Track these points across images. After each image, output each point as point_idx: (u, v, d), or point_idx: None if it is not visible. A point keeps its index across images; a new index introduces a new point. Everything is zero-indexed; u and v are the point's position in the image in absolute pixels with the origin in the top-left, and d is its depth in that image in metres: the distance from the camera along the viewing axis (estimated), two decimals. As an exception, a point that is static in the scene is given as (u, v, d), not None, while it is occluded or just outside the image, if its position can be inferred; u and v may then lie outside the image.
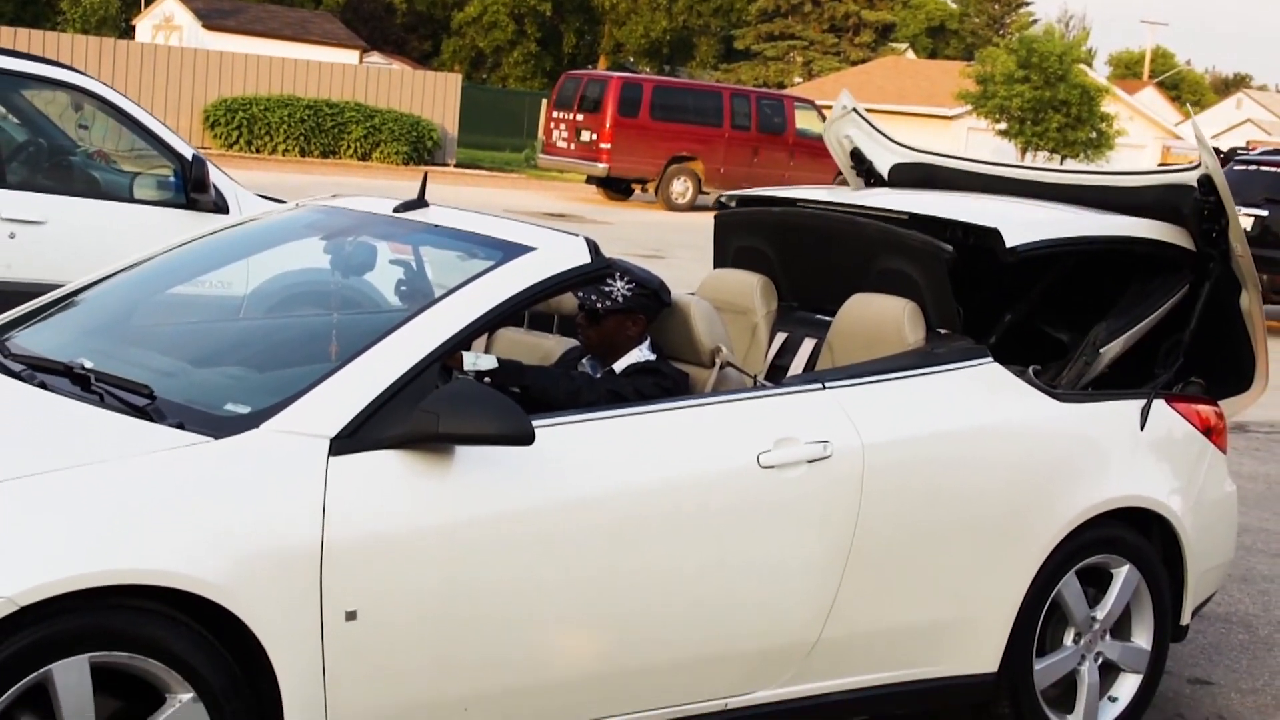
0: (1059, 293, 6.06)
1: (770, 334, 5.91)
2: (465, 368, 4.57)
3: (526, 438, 4.02)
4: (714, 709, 4.69)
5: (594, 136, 31.61)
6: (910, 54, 79.98)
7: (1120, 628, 5.56)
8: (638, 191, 33.40)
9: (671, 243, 23.54)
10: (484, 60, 76.77)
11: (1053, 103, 44.95)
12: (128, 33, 57.05)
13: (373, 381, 4.04)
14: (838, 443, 4.74)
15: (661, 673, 4.54)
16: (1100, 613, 5.44)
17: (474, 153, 43.93)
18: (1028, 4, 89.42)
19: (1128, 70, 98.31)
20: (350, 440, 3.96)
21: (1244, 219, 19.49)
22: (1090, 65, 64.33)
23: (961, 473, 5.04)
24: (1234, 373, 6.04)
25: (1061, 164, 47.13)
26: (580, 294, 5.10)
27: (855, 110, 6.82)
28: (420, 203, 4.98)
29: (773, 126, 32.86)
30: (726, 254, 6.40)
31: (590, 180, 33.60)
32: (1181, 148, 55.36)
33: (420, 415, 3.98)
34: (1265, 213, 19.25)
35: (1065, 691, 5.47)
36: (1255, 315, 5.81)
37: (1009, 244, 5.36)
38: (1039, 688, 5.33)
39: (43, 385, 4.22)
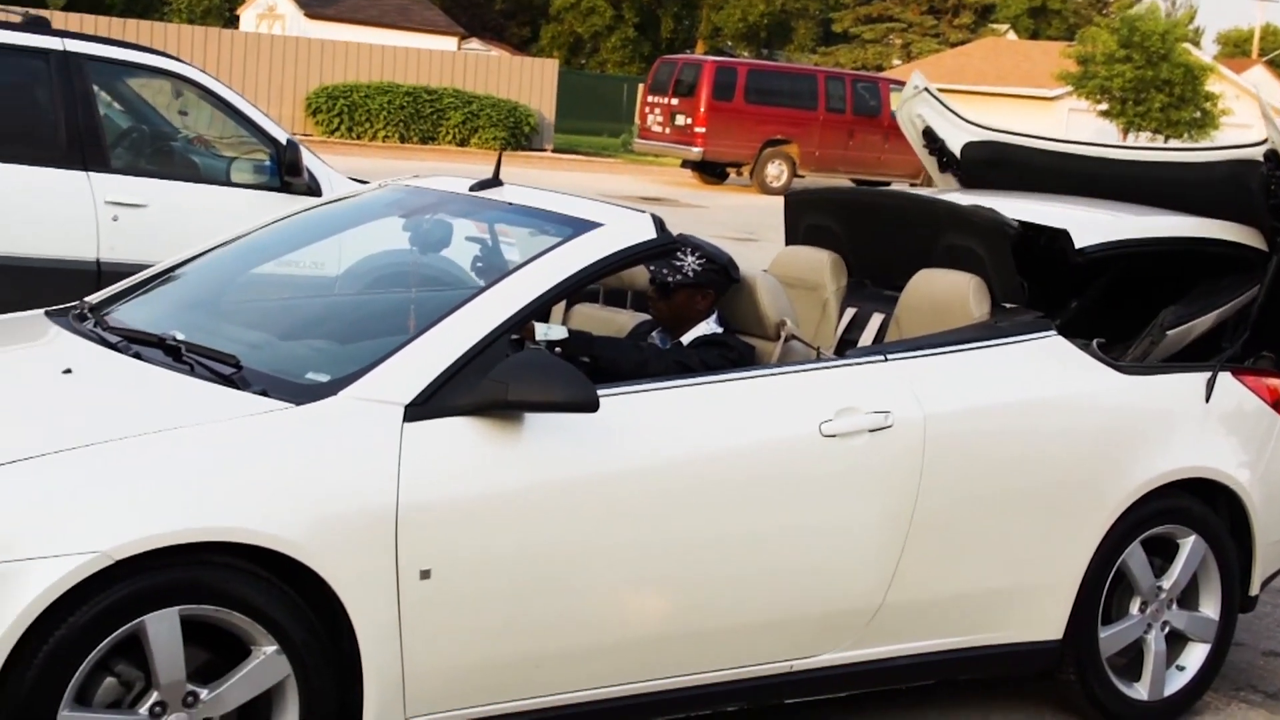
0: (1129, 280, 6.14)
1: (840, 309, 6.06)
2: (537, 338, 4.76)
3: (591, 405, 4.20)
4: (778, 671, 4.84)
5: (689, 121, 31.77)
6: (1011, 35, 79.33)
7: (1188, 598, 5.64)
8: (732, 175, 33.52)
9: (764, 225, 23.63)
10: (582, 46, 77.07)
11: (1155, 82, 44.47)
12: (232, 22, 57.79)
13: (445, 351, 4.23)
14: (899, 413, 4.88)
15: (725, 635, 4.68)
16: (1166, 582, 5.53)
17: (571, 138, 44.19)
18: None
19: (1236, 49, 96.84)
20: (424, 407, 4.15)
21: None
22: (1197, 44, 63.72)
23: (1023, 442, 5.15)
24: None
25: (1166, 144, 46.78)
26: (652, 268, 5.27)
27: (927, 90, 6.95)
28: (495, 182, 5.18)
29: (868, 109, 32.84)
30: (797, 232, 6.55)
31: (685, 164, 33.77)
32: (1289, 127, 54.63)
33: (490, 383, 4.16)
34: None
35: (1133, 660, 5.57)
36: None
37: (1078, 245, 5.50)
38: (1104, 655, 5.43)
39: (137, 355, 4.47)
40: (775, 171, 32.10)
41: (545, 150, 38.55)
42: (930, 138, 7.00)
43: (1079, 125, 48.92)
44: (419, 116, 36.69)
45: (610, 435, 4.39)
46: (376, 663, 4.08)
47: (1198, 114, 44.82)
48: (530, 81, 39.26)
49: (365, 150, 33.19)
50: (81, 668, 3.72)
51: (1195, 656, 5.67)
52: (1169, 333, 5.70)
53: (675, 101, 32.33)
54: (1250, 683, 6.09)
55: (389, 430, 4.09)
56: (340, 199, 5.81)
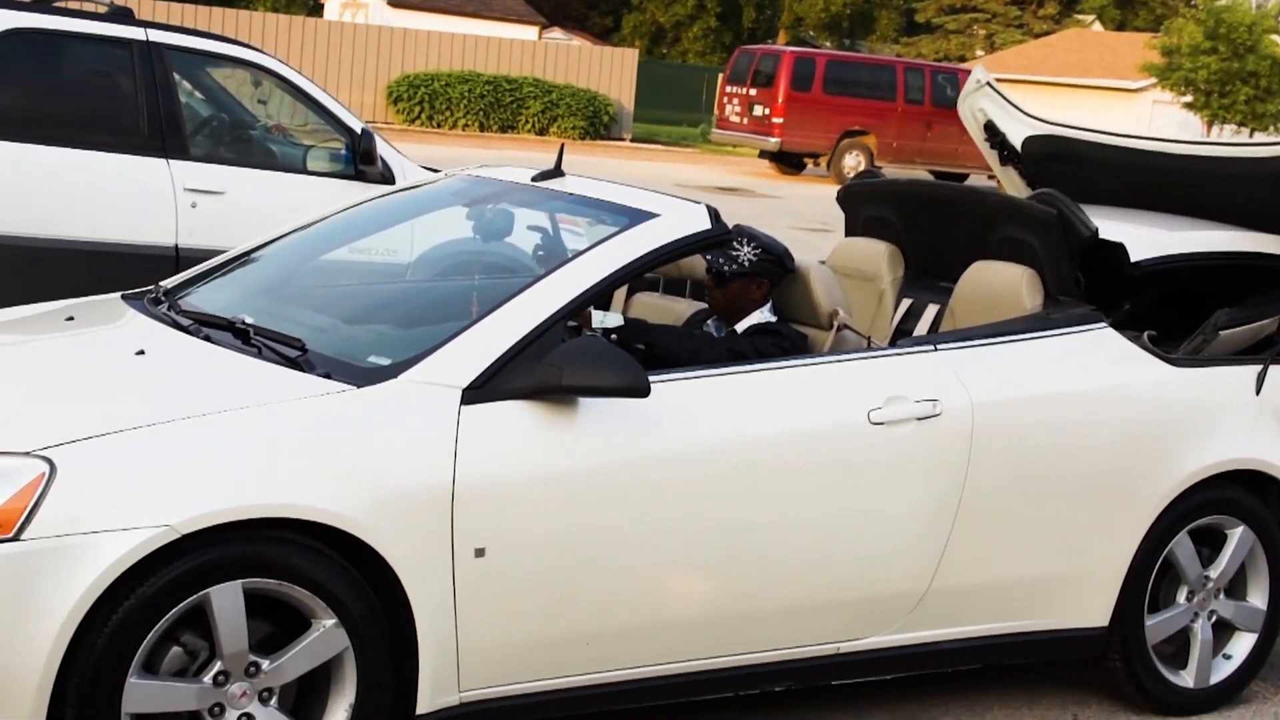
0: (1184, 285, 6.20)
1: (896, 300, 6.15)
2: (593, 325, 4.88)
3: (642, 390, 4.32)
4: (826, 653, 4.94)
5: (766, 111, 31.83)
6: (1097, 26, 78.70)
7: (1235, 587, 5.70)
8: (810, 166, 33.54)
9: (839, 216, 23.58)
10: (664, 35, 77.11)
11: (1241, 74, 43.98)
12: (316, 11, 58.25)
13: (502, 337, 4.36)
14: (947, 402, 4.97)
15: (773, 617, 4.79)
16: (1214, 572, 5.59)
17: (651, 127, 44.30)
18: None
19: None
20: (481, 390, 4.28)
21: None
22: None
23: (1072, 432, 5.23)
24: None
25: (1251, 137, 46.29)
26: (709, 258, 5.38)
27: (989, 84, 7.01)
28: (557, 172, 5.31)
29: (947, 100, 32.66)
30: (856, 223, 6.65)
31: (763, 154, 33.83)
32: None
33: (545, 368, 4.29)
34: None
35: (1180, 648, 5.63)
36: None
37: (1133, 259, 5.59)
38: (1150, 643, 5.50)
39: (207, 338, 4.63)
40: (853, 162, 32.07)
41: (624, 139, 38.71)
42: (992, 131, 7.06)
43: (1163, 118, 48.49)
44: (499, 105, 36.95)
45: (661, 420, 4.50)
46: (432, 638, 4.21)
47: (1286, 106, 44.34)
48: (610, 71, 39.42)
49: (445, 139, 33.47)
50: (149, 637, 3.86)
51: (1242, 646, 5.72)
52: (1222, 333, 5.75)
53: (754, 92, 32.38)
54: (1298, 673, 6.15)
55: (447, 412, 4.22)
56: (409, 188, 5.96)
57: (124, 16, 8.59)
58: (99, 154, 8.27)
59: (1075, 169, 6.75)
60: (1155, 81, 47.32)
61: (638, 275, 4.85)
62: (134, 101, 8.46)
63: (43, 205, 8.06)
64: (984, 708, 5.50)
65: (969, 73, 7.34)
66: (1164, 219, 6.20)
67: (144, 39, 8.46)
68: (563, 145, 5.79)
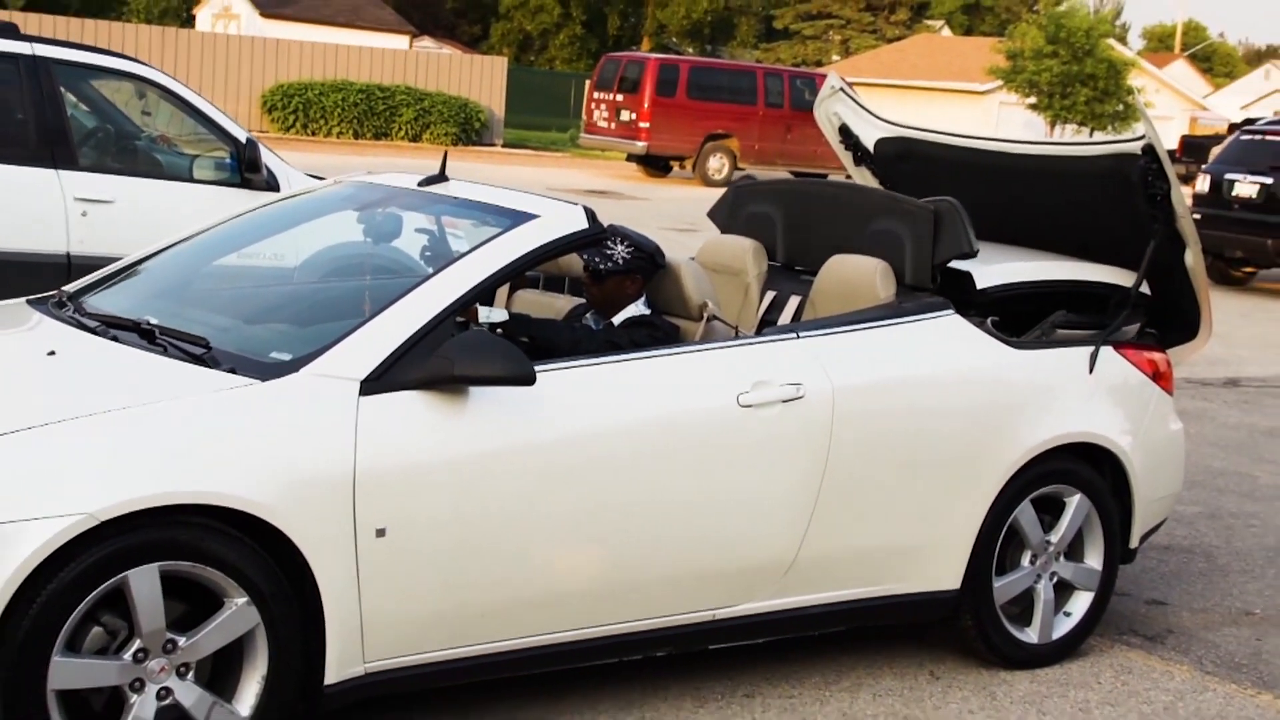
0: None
1: (761, 293, 6.36)
2: (480, 320, 5.06)
3: (529, 379, 4.51)
4: (702, 620, 5.14)
5: (633, 116, 32.04)
6: (946, 31, 79.80)
7: (1074, 550, 5.99)
8: (676, 168, 33.81)
9: (703, 217, 23.90)
10: (532, 43, 77.00)
11: (1080, 77, 44.95)
12: (188, 22, 57.58)
13: (396, 332, 4.52)
14: (810, 385, 5.21)
15: (653, 588, 4.98)
16: (1054, 536, 5.88)
17: (521, 133, 44.32)
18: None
19: (1160, 44, 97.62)
20: (378, 382, 4.43)
21: (1249, 186, 19.73)
22: (1123, 40, 64.26)
23: (924, 411, 5.48)
24: (1183, 324, 6.47)
25: (1091, 135, 47.19)
26: (585, 256, 5.58)
27: (843, 89, 7.25)
28: (441, 178, 5.48)
29: (805, 104, 32.93)
30: (738, 219, 6.87)
31: (630, 158, 34.04)
32: (1208, 119, 55.24)
33: (437, 360, 4.46)
34: (1270, 180, 19.45)
35: (1025, 608, 5.91)
36: (1198, 272, 6.21)
37: (979, 286, 5.91)
38: (998, 603, 5.77)
39: (115, 339, 4.73)
40: (717, 165, 32.42)
41: (495, 145, 38.75)
42: (846, 134, 7.29)
43: (1009, 118, 49.45)
44: (372, 113, 36.87)
45: (546, 407, 4.69)
46: (337, 614, 4.35)
47: (1120, 107, 45.31)
48: (480, 79, 39.46)
49: (320, 146, 33.30)
50: (71, 618, 3.97)
51: (1081, 604, 6.01)
52: (1058, 330, 6.04)
53: (620, 98, 32.57)
54: (1133, 627, 6.45)
55: (346, 403, 4.38)
56: (298, 194, 6.08)
57: (10, 32, 8.60)
58: (-10, 166, 8.28)
59: (922, 167, 6.99)
60: (1001, 84, 48.22)
61: (520, 272, 5.01)
62: (22, 114, 8.47)
63: (-65, 217, 8.07)
64: (848, 668, 5.72)
65: (825, 77, 7.57)
66: (1011, 251, 6.48)
67: (30, 54, 8.49)
68: (446, 152, 5.95)
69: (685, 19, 75.66)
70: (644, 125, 31.88)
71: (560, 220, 5.03)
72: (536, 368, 4.61)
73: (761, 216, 6.77)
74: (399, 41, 53.08)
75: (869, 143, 7.22)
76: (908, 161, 7.05)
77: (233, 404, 4.31)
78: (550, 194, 5.29)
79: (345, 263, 6.14)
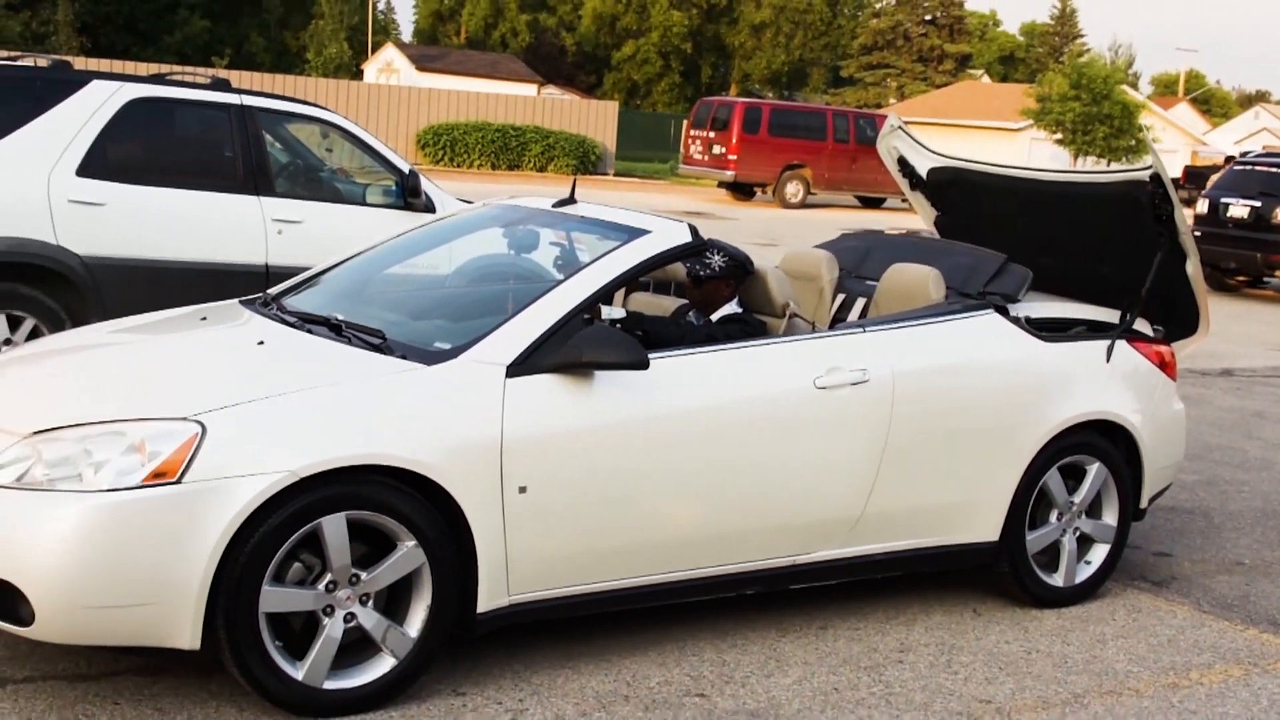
0: None
1: (834, 295, 6.38)
2: (602, 317, 5.14)
3: (643, 364, 4.59)
4: (784, 564, 5.20)
5: (723, 150, 32.00)
6: (985, 79, 78.96)
7: (1093, 509, 5.97)
8: (759, 193, 33.71)
9: (782, 233, 23.91)
10: (638, 90, 77.22)
11: (1099, 117, 44.28)
12: (357, 75, 58.23)
13: (536, 326, 4.61)
14: (874, 371, 5.24)
15: (744, 537, 5.04)
16: (1077, 498, 5.87)
17: (629, 164, 44.35)
18: (1082, 35, 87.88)
19: (1166, 89, 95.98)
20: (521, 366, 4.53)
21: (1242, 208, 19.49)
22: (1135, 86, 63.33)
23: (968, 393, 5.49)
24: (1184, 322, 6.43)
25: (1108, 165, 46.52)
26: (687, 264, 5.64)
27: (900, 127, 7.25)
28: (571, 200, 5.57)
29: (867, 139, 32.84)
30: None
31: (720, 185, 33.98)
32: (1207, 152, 54.26)
33: (569, 348, 4.55)
34: (1259, 203, 19.22)
35: (1052, 558, 5.90)
36: (1197, 279, 6.17)
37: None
38: (1030, 553, 5.77)
39: (309, 331, 4.87)
40: (793, 190, 32.28)
41: (608, 174, 38.79)
42: (903, 165, 7.29)
43: (1038, 152, 48.80)
44: (506, 149, 37.03)
45: (657, 388, 4.76)
46: (488, 555, 4.46)
47: (1133, 142, 44.63)
48: (595, 119, 39.52)
49: (464, 176, 33.54)
50: (277, 555, 4.12)
51: (1099, 554, 6.00)
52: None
53: (712, 134, 32.52)
54: (1142, 574, 6.41)
55: (495, 384, 4.48)
56: (452, 215, 6.19)
57: (222, 86, 8.78)
58: (205, 194, 8.41)
59: (969, 192, 6.97)
60: (1031, 123, 47.66)
61: (636, 278, 5.07)
62: (231, 152, 8.64)
63: (162, 235, 8.22)
64: (905, 606, 5.74)
65: (885, 117, 7.57)
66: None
67: (239, 103, 8.65)
68: (574, 180, 6.03)
69: (766, 69, 75.72)
70: (732, 157, 31.81)
71: (668, 235, 5.09)
72: (650, 355, 4.69)
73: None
74: (528, 89, 53.36)
75: (922, 171, 7.21)
76: (956, 187, 7.04)
77: (404, 384, 4.42)
78: (658, 213, 5.34)
79: (493, 269, 6.21)
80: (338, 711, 4.31)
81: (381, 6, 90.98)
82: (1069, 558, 5.88)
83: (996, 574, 5.81)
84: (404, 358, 4.54)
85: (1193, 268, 6.13)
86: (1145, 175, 5.91)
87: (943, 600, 5.86)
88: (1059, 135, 45.81)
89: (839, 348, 5.26)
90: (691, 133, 33.62)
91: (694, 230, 5.12)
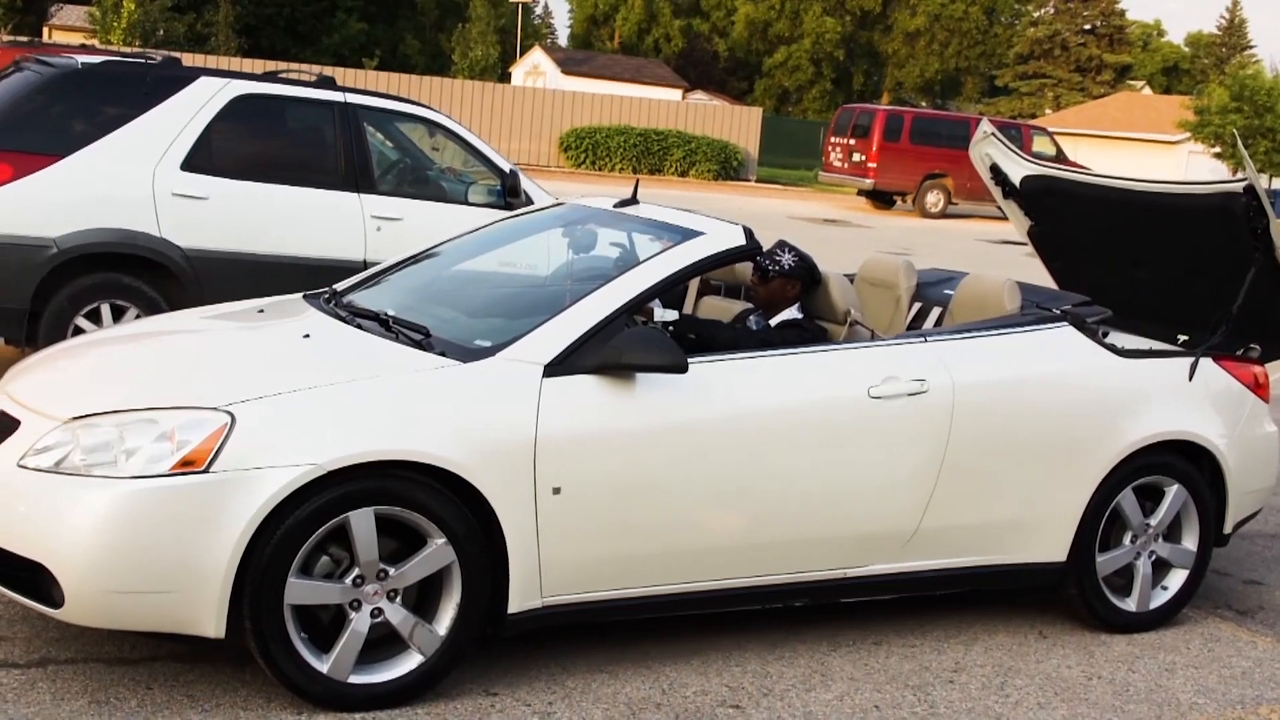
0: None
1: (910, 303, 6.24)
2: (655, 319, 5.07)
3: (682, 367, 4.51)
4: (836, 576, 5.08)
5: (863, 158, 31.71)
6: (1146, 90, 76.99)
7: (1172, 533, 5.74)
8: (899, 202, 33.32)
9: (917, 243, 23.57)
10: (789, 96, 76.98)
11: (1261, 130, 42.90)
12: (504, 78, 58.90)
13: (576, 326, 4.56)
14: (934, 381, 5.09)
15: (790, 547, 4.92)
16: (1154, 520, 5.64)
17: (775, 170, 44.24)
18: (1252, 47, 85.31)
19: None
20: (559, 366, 4.48)
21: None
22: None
23: (1035, 406, 5.30)
24: None
25: (1269, 183, 45.06)
26: (760, 259, 5.52)
27: (993, 134, 7.08)
28: (633, 201, 5.51)
29: (1012, 149, 32.36)
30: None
31: (860, 193, 33.67)
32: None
33: (608, 350, 4.49)
34: None
35: (1127, 581, 5.69)
36: None
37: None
38: (1100, 575, 5.56)
39: (359, 326, 4.88)
40: (934, 199, 31.85)
41: (749, 180, 38.72)
42: (996, 172, 7.12)
43: (1197, 166, 47.46)
44: (648, 153, 37.16)
45: (701, 392, 4.67)
46: (519, 555, 4.41)
47: (1296, 157, 43.19)
48: (738, 125, 39.45)
49: (605, 179, 33.72)
50: (304, 548, 4.12)
51: (1176, 580, 5.76)
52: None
53: (853, 142, 32.25)
54: (1228, 603, 6.15)
55: (531, 383, 4.44)
56: (525, 212, 6.17)
57: (327, 84, 8.89)
58: (307, 189, 8.52)
59: (1062, 201, 6.79)
60: (1190, 136, 46.34)
61: (686, 280, 4.96)
62: (334, 149, 8.73)
63: (262, 229, 8.36)
64: (968, 625, 5.58)
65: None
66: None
67: (342, 101, 8.75)
68: (637, 180, 5.98)
69: (920, 77, 74.87)
70: (872, 165, 31.51)
71: (722, 237, 5.00)
72: (694, 360, 4.62)
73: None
74: (673, 94, 53.44)
75: (1016, 179, 7.03)
76: (1050, 196, 6.86)
77: (439, 381, 4.40)
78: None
79: (592, 270, 6.12)
80: (362, 706, 4.31)
81: (539, 11, 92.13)
82: (1143, 582, 5.67)
83: (1065, 596, 5.62)
84: (443, 354, 4.52)
85: None
86: (1239, 187, 5.69)
87: (1008, 621, 5.68)
88: (1218, 149, 44.47)
89: (898, 357, 5.12)
90: (832, 140, 33.39)
91: (749, 233, 5.03)
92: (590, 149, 36.76)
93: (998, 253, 23.16)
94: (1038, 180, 6.89)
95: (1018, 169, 7.00)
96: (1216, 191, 5.86)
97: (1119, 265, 6.58)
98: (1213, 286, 6.07)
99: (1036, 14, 78.03)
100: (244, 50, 48.46)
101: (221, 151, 8.37)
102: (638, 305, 4.75)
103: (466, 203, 9.23)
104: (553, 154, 36.82)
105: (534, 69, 60.79)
